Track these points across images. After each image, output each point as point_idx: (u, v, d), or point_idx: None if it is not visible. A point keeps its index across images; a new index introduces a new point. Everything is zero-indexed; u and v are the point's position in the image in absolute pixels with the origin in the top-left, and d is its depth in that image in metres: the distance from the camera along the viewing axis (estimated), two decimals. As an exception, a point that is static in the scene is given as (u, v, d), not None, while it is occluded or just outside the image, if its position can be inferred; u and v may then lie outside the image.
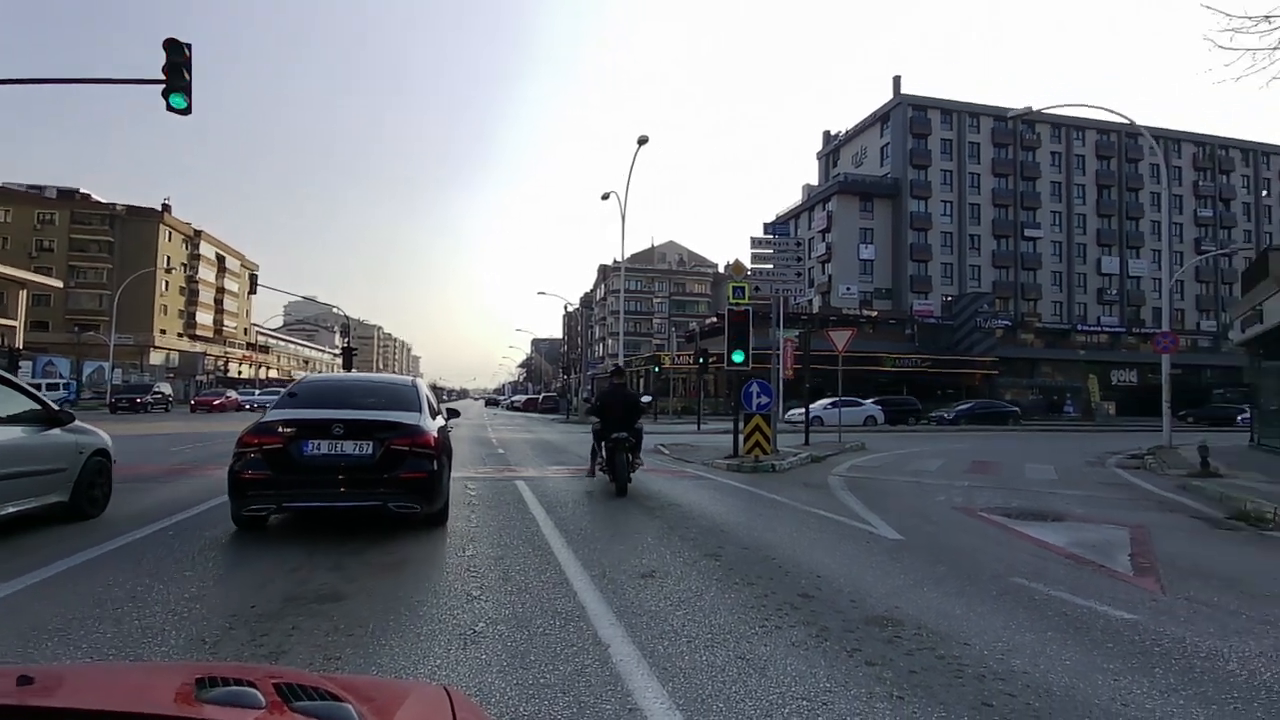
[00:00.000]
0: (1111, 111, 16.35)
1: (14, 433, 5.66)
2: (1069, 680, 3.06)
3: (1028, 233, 62.00)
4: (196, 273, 76.32)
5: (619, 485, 8.77)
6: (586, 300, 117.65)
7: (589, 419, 11.08)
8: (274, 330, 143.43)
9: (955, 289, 59.97)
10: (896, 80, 61.85)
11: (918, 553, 5.64)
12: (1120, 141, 64.32)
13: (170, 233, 71.56)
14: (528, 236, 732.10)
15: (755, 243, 14.41)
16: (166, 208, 75.96)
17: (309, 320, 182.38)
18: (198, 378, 67.78)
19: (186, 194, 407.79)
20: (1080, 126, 63.65)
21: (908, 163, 59.93)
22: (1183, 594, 4.56)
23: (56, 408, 6.29)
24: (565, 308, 66.28)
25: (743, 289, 13.36)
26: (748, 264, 14.47)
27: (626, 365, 53.33)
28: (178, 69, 10.60)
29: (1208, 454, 11.78)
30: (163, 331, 69.11)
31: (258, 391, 43.09)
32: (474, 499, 8.12)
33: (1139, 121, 16.49)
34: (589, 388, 67.04)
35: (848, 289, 59.35)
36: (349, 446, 5.71)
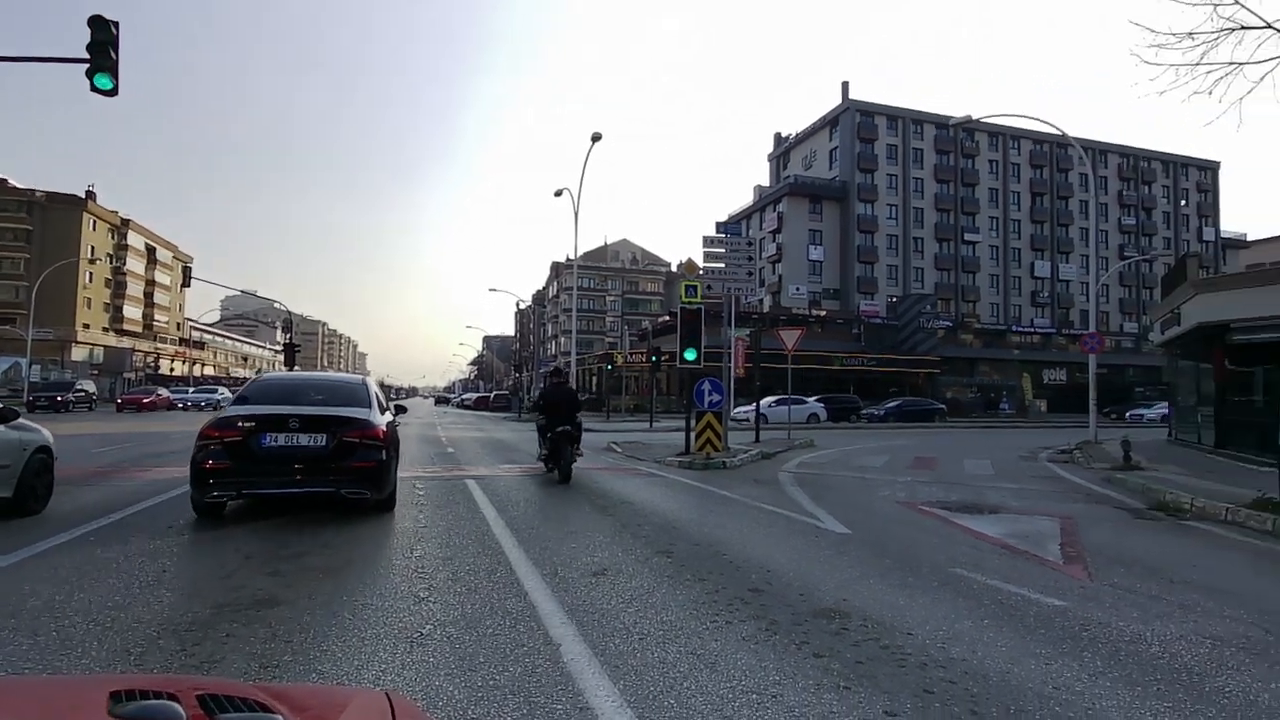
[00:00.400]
0: (1043, 122, 17.10)
1: None
2: (1004, 665, 3.18)
3: (968, 237, 64.39)
4: (124, 264, 72.38)
5: (562, 473, 9.64)
6: (539, 298, 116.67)
7: (536, 416, 12.26)
8: (210, 326, 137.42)
9: (900, 290, 61.81)
10: (845, 86, 63.40)
11: (863, 546, 5.79)
12: (1052, 151, 67.45)
13: (94, 221, 67.67)
14: (480, 233, 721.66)
15: (707, 242, 14.53)
16: (91, 195, 71.78)
17: (248, 316, 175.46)
18: (125, 375, 64.36)
19: (119, 184, 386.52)
20: (1016, 136, 66.47)
21: (855, 166, 61.46)
22: (1108, 581, 4.80)
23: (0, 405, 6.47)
24: (517, 305, 65.58)
25: (695, 288, 13.44)
26: (700, 263, 14.57)
27: (579, 363, 53.04)
28: (103, 47, 10.00)
29: (1130, 449, 12.46)
30: (86, 326, 65.36)
31: (191, 389, 41.18)
32: (422, 498, 7.94)
33: (1070, 132, 17.30)
34: (541, 385, 65.99)
35: (797, 289, 60.50)
36: (304, 439, 6.22)
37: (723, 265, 14.27)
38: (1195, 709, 2.79)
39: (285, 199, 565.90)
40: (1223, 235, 73.84)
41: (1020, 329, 65.51)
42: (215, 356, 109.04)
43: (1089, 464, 13.10)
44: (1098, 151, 68.79)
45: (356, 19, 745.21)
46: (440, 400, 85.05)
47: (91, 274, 66.98)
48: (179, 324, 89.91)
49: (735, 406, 33.13)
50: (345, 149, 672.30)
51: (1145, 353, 66.24)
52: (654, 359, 31.06)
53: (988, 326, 64.40)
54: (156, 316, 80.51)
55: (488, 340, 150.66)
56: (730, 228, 17.39)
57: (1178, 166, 73.15)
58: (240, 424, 6.19)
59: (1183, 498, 8.24)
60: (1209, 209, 74.24)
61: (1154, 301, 70.27)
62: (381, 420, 6.74)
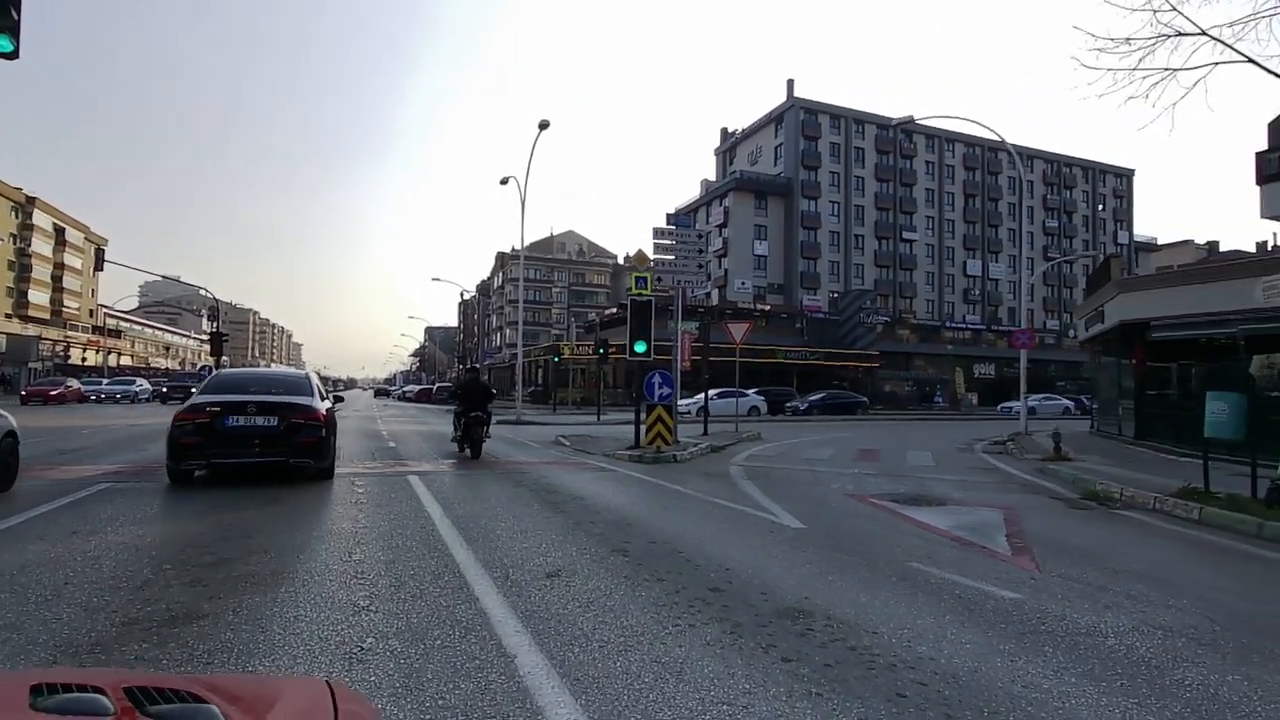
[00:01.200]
0: (980, 124, 17.70)
1: None
2: (971, 664, 3.14)
3: (905, 235, 66.52)
4: (29, 245, 67.17)
5: (474, 451, 11.69)
6: (484, 288, 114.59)
7: (452, 403, 14.53)
8: (128, 313, 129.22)
9: (841, 286, 63.37)
10: (790, 84, 64.35)
11: (819, 541, 5.76)
12: (984, 155, 70.30)
13: (-5, 199, 62.48)
14: (423, 225, 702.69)
15: (658, 234, 14.39)
16: None
17: (171, 303, 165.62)
18: (31, 365, 59.87)
19: (35, 169, 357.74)
20: (951, 139, 68.95)
21: (799, 163, 62.52)
22: (1056, 571, 4.89)
23: None
24: (461, 295, 64.15)
25: (645, 279, 13.29)
26: (650, 255, 14.42)
27: (525, 355, 52.24)
28: (3, 6, 9.04)
29: (1060, 440, 13.01)
30: (-14, 311, 60.44)
31: (105, 381, 38.51)
32: (362, 497, 7.52)
33: (1002, 137, 17.93)
34: (458, 378, 65.17)
35: (743, 284, 61.20)
36: (260, 420, 7.75)
37: (673, 258, 14.16)
38: (1161, 704, 2.79)
39: (217, 189, 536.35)
40: (1135, 239, 78.66)
41: (953, 325, 68.19)
42: (134, 346, 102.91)
43: (1021, 455, 13.64)
44: (1026, 156, 72.19)
45: (296, 7, 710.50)
46: (380, 392, 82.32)
47: (-9, 255, 61.92)
48: (92, 311, 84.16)
49: (679, 399, 33.42)
50: (282, 138, 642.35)
51: (1066, 348, 70.12)
52: (600, 351, 30.88)
53: (923, 322, 66.76)
54: (66, 302, 75.13)
55: (430, 332, 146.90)
56: (680, 220, 17.31)
57: (1096, 173, 77.41)
58: (208, 409, 7.67)
59: (1112, 487, 8.60)
60: (1124, 214, 78.92)
61: (1074, 300, 74.46)
62: (322, 406, 8.41)
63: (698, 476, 9.92)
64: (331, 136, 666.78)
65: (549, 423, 24.84)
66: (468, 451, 11.79)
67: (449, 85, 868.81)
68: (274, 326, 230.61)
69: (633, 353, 12.65)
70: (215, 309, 32.28)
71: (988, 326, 69.35)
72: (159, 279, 71.35)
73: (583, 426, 21.95)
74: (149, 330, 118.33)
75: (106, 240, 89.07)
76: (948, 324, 67.89)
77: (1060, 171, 74.94)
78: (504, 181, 27.77)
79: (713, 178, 72.92)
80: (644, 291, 13.09)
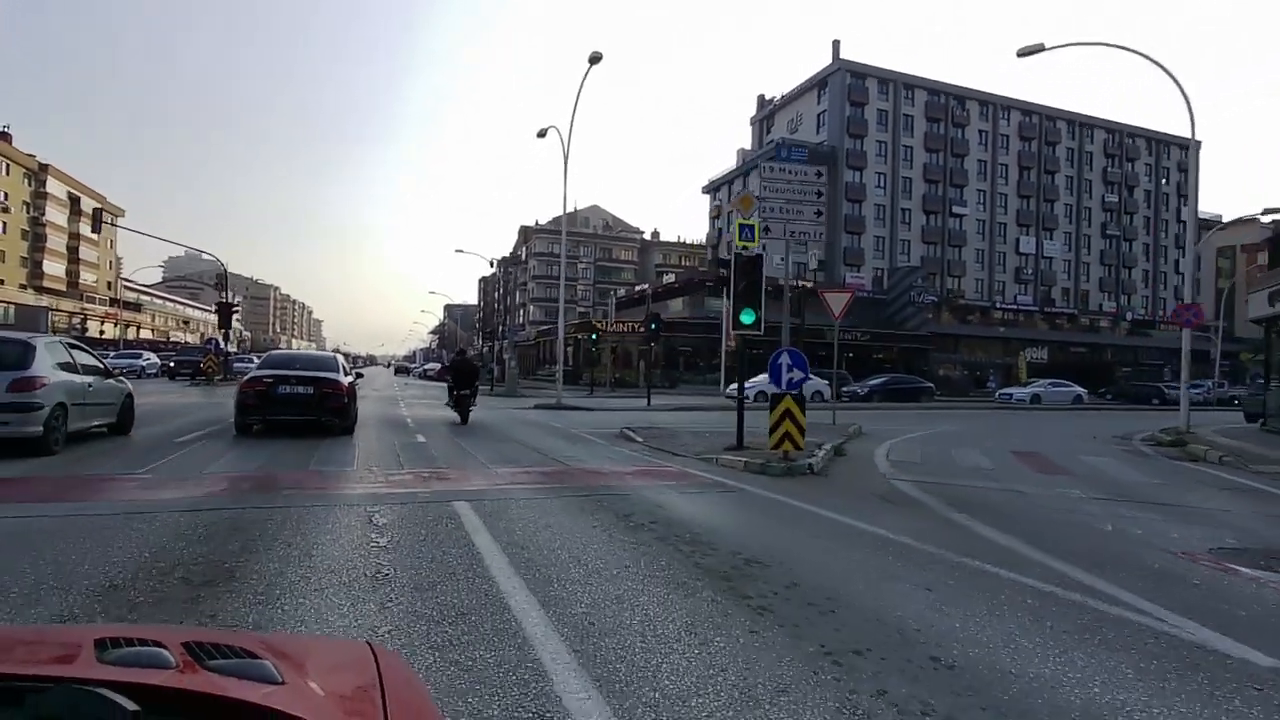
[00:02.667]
0: (1143, 55, 14.09)
1: (98, 380, 9.63)
2: None
3: (955, 209, 62.30)
4: (43, 214, 65.28)
5: (463, 417, 14.49)
6: (508, 262, 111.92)
7: (447, 379, 16.92)
8: (149, 287, 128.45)
9: (886, 263, 59.63)
10: (836, 45, 60.01)
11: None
12: (1041, 124, 65.61)
13: (6, 165, 60.42)
14: (442, 198, 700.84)
15: (766, 171, 11.19)
16: (4, 135, 64.31)
17: (193, 278, 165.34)
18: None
19: (56, 139, 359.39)
20: (1007, 106, 64.34)
21: (844, 131, 58.47)
22: None
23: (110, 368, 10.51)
24: (491, 263, 61.16)
25: (751, 229, 10.16)
26: (754, 197, 11.25)
27: (544, 333, 49.33)
28: None
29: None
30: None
31: (112, 353, 36.19)
32: (387, 553, 4.44)
33: (1056, 105, 14.47)
34: (510, 355, 63.09)
35: (781, 259, 57.67)
36: (301, 389, 10.77)
37: (783, 202, 10.96)
38: None
39: (236, 166, 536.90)
40: (1200, 215, 73.62)
41: (1004, 305, 64.10)
42: (154, 319, 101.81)
43: (1245, 465, 10.37)
44: (1086, 126, 67.44)
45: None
46: (400, 370, 79.91)
47: (4, 224, 60.03)
48: (109, 283, 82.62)
49: (728, 384, 30.61)
50: (297, 111, 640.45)
51: (1121, 333, 65.90)
52: (653, 326, 27.94)
53: (973, 302, 62.77)
54: (84, 274, 73.54)
55: (450, 309, 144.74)
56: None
57: (1160, 144, 72.19)
58: (264, 380, 10.75)
59: None
60: (1188, 188, 73.85)
61: (1133, 281, 69.99)
62: (345, 380, 11.35)
63: (867, 500, 6.84)
64: (350, 116, 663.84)
65: (592, 407, 21.89)
66: (460, 421, 14.48)
67: (471, 56, 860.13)
68: (294, 303, 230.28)
69: (738, 324, 9.56)
70: (224, 277, 29.64)
71: (1040, 308, 65.17)
72: (181, 254, 69.44)
73: (634, 413, 18.98)
74: (170, 304, 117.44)
75: (123, 210, 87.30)
76: (998, 304, 63.81)
77: (1122, 143, 69.91)
78: (542, 134, 24.57)
79: (749, 148, 68.97)
80: (750, 244, 9.97)
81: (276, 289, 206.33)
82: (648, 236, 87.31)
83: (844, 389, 34.25)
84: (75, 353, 9.38)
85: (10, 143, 64.66)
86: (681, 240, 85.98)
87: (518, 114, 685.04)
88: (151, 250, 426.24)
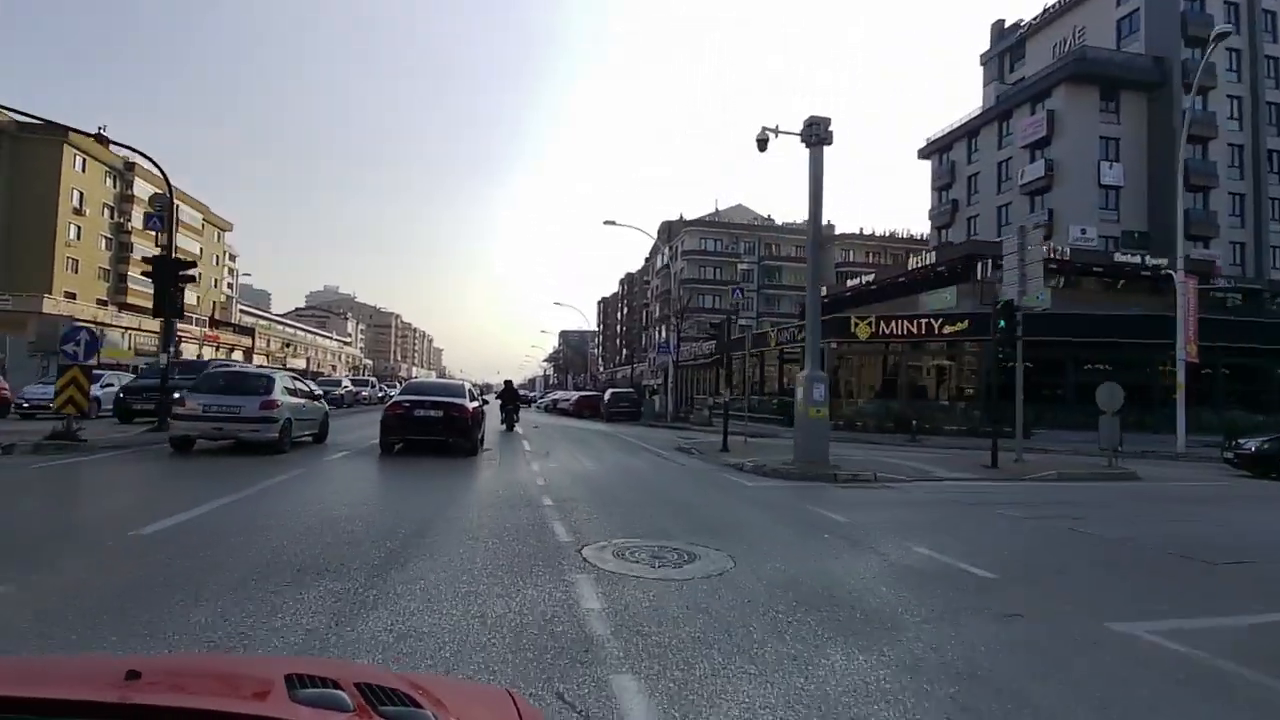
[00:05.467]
0: None
1: (309, 403, 13.43)
2: None
3: (1357, 150, 39.69)
4: (129, 220, 56.96)
5: (509, 426, 20.14)
6: (629, 281, 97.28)
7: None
8: (283, 316, 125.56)
9: (1249, 234, 38.18)
10: (1152, -88, 39.89)
11: None
12: None
13: (83, 160, 52.10)
14: (558, 229, 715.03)
15: None
16: (102, 138, 57.11)
17: (320, 308, 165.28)
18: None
19: (191, 177, 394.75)
20: None
21: (1180, 35, 38.09)
22: None
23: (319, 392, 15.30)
24: (652, 255, 45.63)
25: None
26: None
27: (708, 354, 32.59)
28: None
29: None
30: (71, 295, 49.85)
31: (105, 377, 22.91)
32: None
33: None
34: (655, 379, 47.74)
35: (1083, 231, 37.63)
36: (433, 412, 12.31)
37: None
38: None
39: (352, 194, 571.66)
40: None
41: None
42: (270, 345, 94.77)
43: None
44: None
45: (448, 15, 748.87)
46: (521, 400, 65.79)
47: (80, 228, 51.61)
48: (216, 303, 75.22)
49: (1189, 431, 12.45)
50: (428, 149, 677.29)
51: None
52: (1003, 323, 10.47)
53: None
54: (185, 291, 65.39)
55: (564, 335, 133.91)
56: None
57: None
58: (405, 404, 12.59)
59: None
60: None
61: None
62: (470, 405, 12.90)
63: None
64: (461, 136, 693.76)
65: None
66: (504, 426, 19.79)
67: (581, 68, 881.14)
68: (415, 331, 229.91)
69: None
70: (165, 201, 15.40)
71: None
72: (320, 288, 59.13)
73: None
74: (287, 329, 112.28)
75: (230, 225, 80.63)
76: None
77: None
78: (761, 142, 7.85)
79: (978, 103, 49.22)
80: None
81: (398, 317, 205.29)
82: (833, 226, 69.04)
83: (1231, 446, 15.31)
84: (295, 383, 13.82)
85: (107, 146, 57.47)
86: (867, 233, 67.13)
87: (637, 141, 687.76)
88: (296, 281, 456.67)
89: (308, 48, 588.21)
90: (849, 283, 47.23)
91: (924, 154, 51.09)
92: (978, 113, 45.98)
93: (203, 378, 12.45)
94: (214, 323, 69.67)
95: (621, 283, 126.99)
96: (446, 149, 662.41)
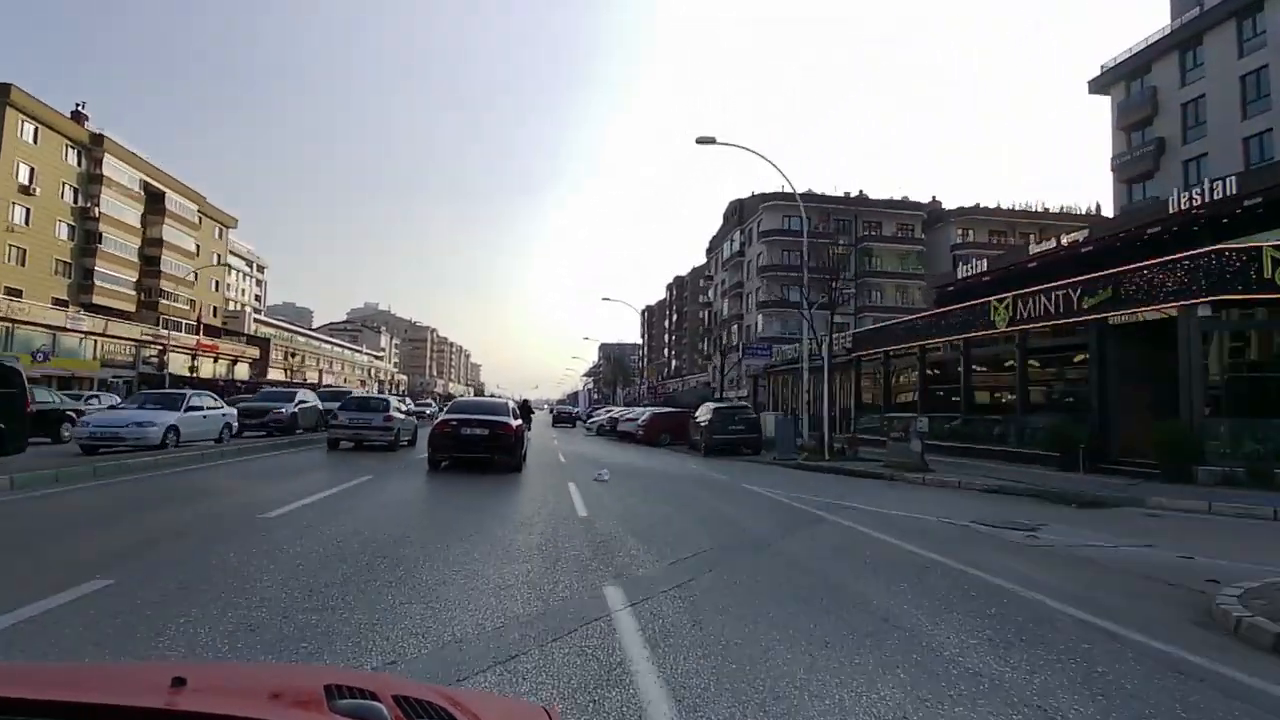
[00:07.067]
0: None
1: (410, 419, 21.26)
2: None
3: None
4: (96, 203, 47.50)
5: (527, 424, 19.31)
6: (689, 279, 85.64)
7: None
8: (316, 329, 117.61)
9: None
10: None
11: None
12: None
13: (35, 130, 42.54)
14: (595, 244, 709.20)
15: None
16: (78, 115, 48.03)
17: (354, 322, 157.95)
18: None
19: (216, 192, 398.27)
20: None
21: None
22: None
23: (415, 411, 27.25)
24: (690, 272, 33.64)
25: None
26: None
27: (815, 359, 20.08)
28: None
29: None
30: (14, 291, 40.15)
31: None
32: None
33: None
34: (742, 390, 36.32)
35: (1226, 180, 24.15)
36: (479, 430, 13.11)
37: None
38: None
39: (388, 208, 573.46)
40: None
41: None
42: (285, 358, 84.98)
43: None
44: None
45: (497, 32, 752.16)
46: (561, 418, 53.85)
47: (28, 210, 42.11)
48: (216, 308, 65.85)
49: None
50: (469, 165, 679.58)
51: None
52: None
53: None
54: (168, 290, 55.73)
55: (604, 348, 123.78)
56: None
57: None
58: (452, 423, 13.33)
59: None
60: None
61: None
62: (514, 423, 13.75)
63: None
64: (499, 152, 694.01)
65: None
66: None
67: (623, 73, 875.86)
68: (451, 345, 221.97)
69: None
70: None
71: None
72: (361, 305, 48.81)
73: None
74: (315, 342, 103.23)
75: (235, 220, 71.55)
76: None
77: None
78: None
79: (1159, 23, 35.96)
80: None
81: (433, 330, 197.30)
82: (935, 202, 56.21)
83: None
84: (401, 401, 23.50)
85: (83, 125, 48.45)
86: (983, 205, 54.05)
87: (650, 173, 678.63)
88: (341, 300, 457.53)
89: (376, 83, 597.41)
90: (960, 267, 33.94)
91: (1097, 87, 38.10)
92: (1195, 13, 32.86)
93: (346, 400, 19.64)
94: (210, 330, 59.78)
95: (669, 288, 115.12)
96: (488, 165, 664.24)
